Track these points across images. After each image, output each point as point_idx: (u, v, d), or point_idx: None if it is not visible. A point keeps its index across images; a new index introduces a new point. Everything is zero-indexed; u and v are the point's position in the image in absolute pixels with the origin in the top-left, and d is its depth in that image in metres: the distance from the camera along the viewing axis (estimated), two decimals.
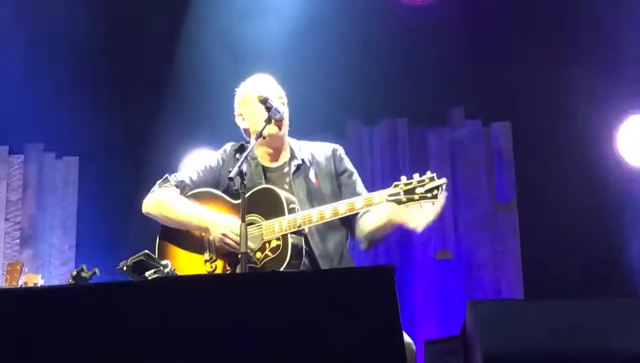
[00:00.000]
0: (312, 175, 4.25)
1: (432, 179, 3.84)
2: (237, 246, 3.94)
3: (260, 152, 4.31)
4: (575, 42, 6.66)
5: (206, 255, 4.17)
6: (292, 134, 4.35)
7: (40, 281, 5.46)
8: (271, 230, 4.03)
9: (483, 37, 6.98)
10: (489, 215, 7.04)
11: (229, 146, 4.37)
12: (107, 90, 6.92)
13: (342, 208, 3.96)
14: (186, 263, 4.19)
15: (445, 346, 3.19)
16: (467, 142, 7.15)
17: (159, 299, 2.83)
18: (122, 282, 3.19)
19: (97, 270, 4.19)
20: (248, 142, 4.30)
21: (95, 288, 3.00)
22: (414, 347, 3.78)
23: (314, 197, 4.18)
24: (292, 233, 4.00)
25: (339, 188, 4.26)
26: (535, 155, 6.87)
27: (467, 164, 7.13)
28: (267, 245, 4.03)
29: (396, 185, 3.87)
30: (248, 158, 4.12)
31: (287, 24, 6.82)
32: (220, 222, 4.09)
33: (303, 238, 4.07)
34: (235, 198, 4.10)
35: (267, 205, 4.06)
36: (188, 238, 4.23)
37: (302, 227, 4.00)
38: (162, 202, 4.23)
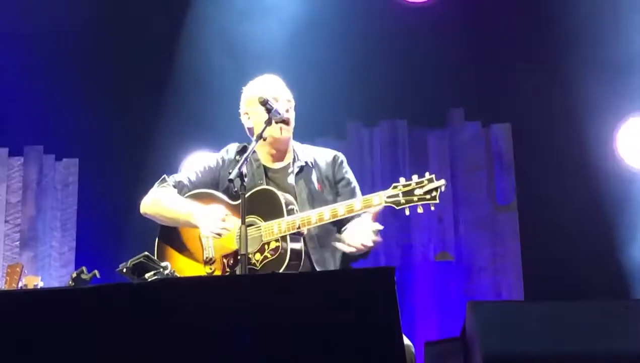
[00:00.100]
0: (314, 178, 4.25)
1: (430, 181, 3.84)
2: (225, 231, 3.98)
3: (263, 153, 4.31)
4: (575, 44, 6.65)
5: (205, 257, 4.17)
6: (292, 135, 4.35)
7: (40, 283, 5.45)
8: (270, 231, 4.03)
9: (483, 38, 6.98)
10: (489, 217, 7.03)
11: (231, 147, 4.37)
12: (107, 91, 6.92)
13: (341, 209, 3.96)
14: (185, 265, 4.19)
15: (445, 347, 3.18)
16: (467, 143, 7.15)
17: (159, 301, 2.83)
18: (122, 284, 3.18)
19: (97, 272, 4.19)
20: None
21: (95, 290, 3.00)
22: (413, 349, 3.78)
23: (315, 200, 4.18)
24: (291, 234, 4.00)
25: (337, 195, 4.25)
26: (535, 156, 6.87)
27: (467, 165, 7.13)
28: (266, 246, 4.03)
29: (395, 187, 3.87)
30: (250, 159, 4.13)
31: (288, 25, 6.82)
32: (202, 217, 4.07)
33: (302, 240, 4.07)
34: (235, 199, 4.10)
35: (266, 206, 4.06)
36: (187, 240, 4.23)
37: (301, 229, 4.00)
38: (158, 201, 4.23)
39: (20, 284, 5.32)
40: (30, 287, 5.31)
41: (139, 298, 2.86)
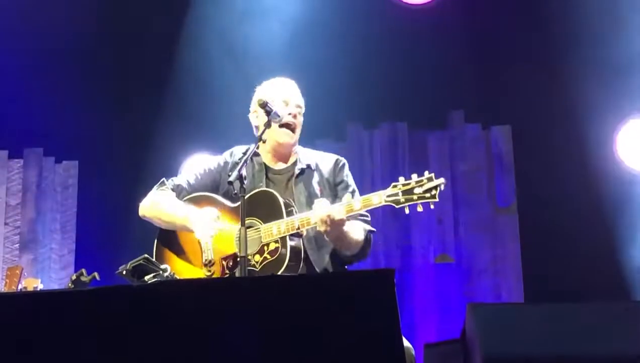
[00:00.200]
0: (315, 181, 4.25)
1: (430, 179, 3.86)
2: (218, 231, 3.98)
3: (265, 153, 4.31)
4: (575, 46, 6.65)
5: (204, 259, 4.16)
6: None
7: (39, 285, 5.46)
8: (269, 233, 4.02)
9: (483, 40, 6.98)
10: (489, 219, 7.03)
11: (236, 149, 4.35)
12: (107, 94, 6.92)
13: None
14: (184, 267, 4.19)
15: (445, 349, 3.18)
16: (467, 145, 7.15)
17: (159, 303, 2.83)
18: (122, 286, 3.18)
19: (96, 275, 4.19)
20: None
21: (94, 292, 3.00)
22: (412, 352, 3.77)
23: (314, 202, 4.17)
24: (290, 235, 4.00)
25: (335, 198, 4.25)
26: (535, 158, 6.87)
27: (467, 167, 7.12)
28: (265, 248, 4.03)
29: (394, 186, 3.88)
30: (252, 160, 4.14)
31: (288, 26, 6.82)
32: (197, 221, 4.06)
33: (301, 240, 4.07)
34: (235, 201, 4.10)
35: (265, 208, 4.06)
36: (185, 242, 4.22)
37: (301, 229, 4.00)
38: (156, 204, 4.23)
39: (20, 286, 5.32)
40: (30, 289, 5.31)
41: (139, 300, 2.85)
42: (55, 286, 6.72)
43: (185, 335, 2.78)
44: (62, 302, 2.92)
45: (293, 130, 4.24)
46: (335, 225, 3.91)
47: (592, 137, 6.77)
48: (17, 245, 6.98)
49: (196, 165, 4.48)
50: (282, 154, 4.30)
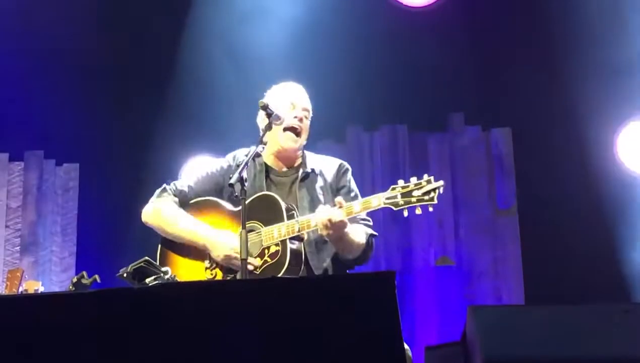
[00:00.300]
0: (318, 186, 4.25)
1: (429, 182, 3.88)
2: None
3: (271, 157, 4.31)
4: (576, 48, 6.66)
5: (206, 263, 4.17)
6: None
7: (40, 288, 5.45)
8: (270, 236, 4.03)
9: (483, 42, 6.98)
10: (489, 221, 7.03)
11: (239, 152, 4.35)
12: (107, 96, 6.92)
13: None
14: (187, 270, 4.19)
15: (445, 352, 3.18)
16: (467, 147, 7.15)
17: (160, 306, 2.83)
18: (123, 289, 3.18)
19: (97, 277, 4.19)
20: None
21: (95, 295, 3.00)
22: (410, 353, 3.78)
23: (316, 207, 4.17)
24: (291, 238, 4.01)
25: None
26: (535, 161, 6.87)
27: (467, 169, 7.12)
28: (266, 251, 4.04)
29: (393, 188, 3.91)
30: (253, 161, 4.15)
31: (288, 28, 6.82)
32: (216, 241, 4.09)
33: (302, 244, 4.07)
34: (236, 205, 4.10)
35: (266, 211, 4.06)
36: (188, 246, 4.22)
37: (301, 232, 4.00)
38: (158, 213, 4.23)
39: (20, 289, 5.32)
40: (31, 292, 5.31)
41: (140, 303, 2.85)
42: (56, 289, 6.72)
43: (186, 338, 2.78)
44: (63, 304, 2.92)
45: (298, 134, 4.24)
46: (336, 228, 3.92)
47: (592, 139, 6.77)
48: (17, 247, 6.98)
49: (198, 169, 4.47)
50: (286, 158, 4.30)
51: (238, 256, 3.95)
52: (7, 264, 6.81)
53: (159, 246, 4.27)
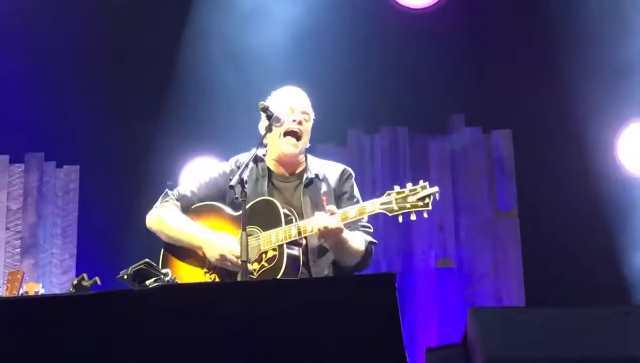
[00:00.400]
0: (321, 191, 4.25)
1: (424, 188, 3.88)
2: (237, 262, 3.95)
3: (272, 162, 4.30)
4: (576, 50, 6.65)
5: (206, 267, 4.18)
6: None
7: (41, 290, 5.45)
8: (268, 240, 4.03)
9: (483, 44, 6.98)
10: (490, 223, 7.02)
11: (241, 157, 4.35)
12: (108, 98, 6.92)
13: None
14: (187, 273, 4.19)
15: (446, 353, 3.18)
16: (467, 149, 7.14)
17: (160, 307, 2.83)
18: (123, 291, 3.18)
19: (97, 279, 4.18)
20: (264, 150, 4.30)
21: (96, 296, 3.00)
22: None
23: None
24: (289, 244, 4.01)
25: (338, 208, 4.24)
26: (536, 162, 6.87)
27: (467, 171, 7.12)
28: (263, 255, 4.04)
29: (389, 194, 3.93)
30: (256, 165, 4.17)
31: (289, 30, 6.82)
32: (213, 242, 4.09)
33: (301, 249, 4.07)
34: (237, 209, 4.10)
35: (265, 216, 4.07)
36: (189, 251, 4.23)
37: (300, 237, 4.00)
38: (159, 218, 4.24)
39: (21, 291, 5.32)
40: (31, 294, 5.31)
41: (140, 305, 2.86)
42: (56, 291, 6.72)
43: (187, 339, 2.78)
44: (64, 306, 2.92)
45: (298, 138, 4.23)
46: (332, 234, 3.93)
47: (592, 140, 6.77)
48: (18, 249, 6.98)
49: (201, 174, 4.46)
50: (287, 164, 4.30)
51: (233, 257, 3.97)
52: (8, 266, 6.81)
53: (162, 250, 4.28)
